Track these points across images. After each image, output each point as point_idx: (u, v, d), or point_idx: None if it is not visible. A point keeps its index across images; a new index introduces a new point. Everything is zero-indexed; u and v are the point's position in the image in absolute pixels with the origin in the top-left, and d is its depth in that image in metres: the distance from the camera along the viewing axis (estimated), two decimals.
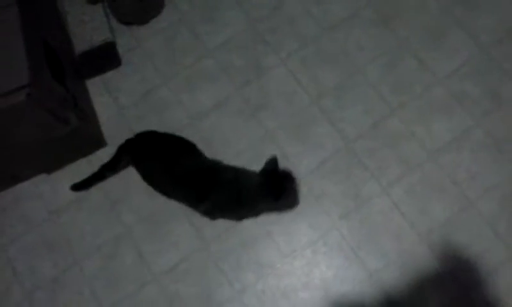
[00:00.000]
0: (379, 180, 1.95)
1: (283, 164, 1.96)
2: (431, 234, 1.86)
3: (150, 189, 1.95)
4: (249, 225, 1.95)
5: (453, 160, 1.95)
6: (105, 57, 2.23)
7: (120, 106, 2.19)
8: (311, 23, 2.24)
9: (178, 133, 2.03)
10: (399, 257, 1.84)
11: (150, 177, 1.94)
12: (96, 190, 2.06)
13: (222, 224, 1.96)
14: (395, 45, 2.16)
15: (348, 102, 2.08)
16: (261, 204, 1.88)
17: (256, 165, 1.81)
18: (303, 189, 1.98)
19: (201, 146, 2.01)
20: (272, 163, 1.76)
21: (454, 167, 1.94)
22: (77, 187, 2.06)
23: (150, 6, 2.30)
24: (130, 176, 2.03)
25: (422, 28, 2.17)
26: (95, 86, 2.23)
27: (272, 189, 1.73)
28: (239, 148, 2.05)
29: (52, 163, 2.10)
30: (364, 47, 2.17)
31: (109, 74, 2.24)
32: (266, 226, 1.94)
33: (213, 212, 1.92)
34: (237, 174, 1.85)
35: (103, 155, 2.09)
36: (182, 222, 1.98)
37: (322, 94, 2.11)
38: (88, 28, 2.18)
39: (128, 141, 1.99)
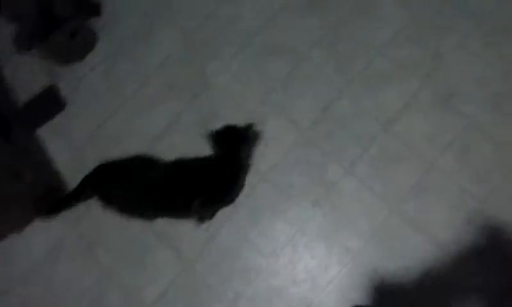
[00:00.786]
0: (340, 162, 1.99)
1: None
2: (401, 203, 1.92)
3: (123, 224, 1.94)
4: (227, 234, 1.97)
5: (406, 126, 2.00)
6: (49, 102, 2.20)
7: (74, 147, 2.17)
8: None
9: None
10: (376, 232, 1.89)
11: (125, 204, 1.94)
12: (70, 236, 2.04)
13: (200, 238, 1.97)
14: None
15: (296, 89, 2.11)
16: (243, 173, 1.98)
17: None
18: (269, 186, 2.00)
19: None
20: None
21: (409, 133, 1.99)
22: (48, 212, 2.03)
23: (83, 42, 2.28)
24: (101, 215, 2.02)
25: None
26: (46, 133, 2.20)
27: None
28: None
29: (17, 221, 2.06)
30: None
31: (57, 118, 2.22)
32: (243, 232, 1.97)
33: (206, 208, 1.95)
34: (206, 162, 1.91)
35: None
36: (160, 248, 1.98)
37: (271, 89, 2.13)
38: (26, 77, 2.16)
39: (89, 177, 1.99)
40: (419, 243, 1.85)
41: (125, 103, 2.20)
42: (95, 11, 2.35)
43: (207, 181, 1.89)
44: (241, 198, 2.01)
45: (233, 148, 1.91)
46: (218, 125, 1.97)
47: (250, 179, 2.02)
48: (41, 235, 2.04)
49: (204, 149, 1.94)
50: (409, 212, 1.89)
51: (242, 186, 2.01)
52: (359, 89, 2.08)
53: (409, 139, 1.98)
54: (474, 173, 1.90)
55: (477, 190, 1.88)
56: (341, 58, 2.13)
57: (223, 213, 1.99)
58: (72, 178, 2.10)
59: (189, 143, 2.08)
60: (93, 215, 2.05)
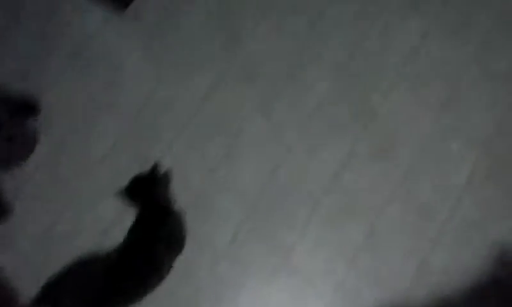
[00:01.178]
0: (292, 227, 2.03)
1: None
2: (356, 258, 1.96)
3: None
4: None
5: (349, 181, 2.07)
6: None
7: (24, 255, 2.12)
8: None
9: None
10: (336, 293, 1.92)
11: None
12: None
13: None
14: None
15: (237, 162, 2.15)
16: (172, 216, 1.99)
17: None
18: (229, 263, 2.01)
19: None
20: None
21: (353, 187, 2.06)
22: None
23: (22, 144, 2.26)
24: None
25: None
26: None
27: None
28: None
29: None
30: None
31: (3, 228, 2.17)
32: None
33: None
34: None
35: None
36: None
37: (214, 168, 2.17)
38: None
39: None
40: (377, 295, 1.89)
41: (72, 199, 2.18)
42: (32, 112, 2.34)
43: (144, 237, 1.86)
44: (202, 280, 2.00)
45: (148, 195, 1.90)
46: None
47: (207, 259, 2.02)
48: None
49: None
50: (366, 265, 1.93)
51: (181, 227, 2.02)
52: (300, 153, 2.14)
53: (354, 194, 2.04)
54: (420, 218, 1.97)
55: (428, 230, 1.95)
56: (279, 129, 2.20)
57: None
58: (26, 288, 2.05)
59: None
60: None
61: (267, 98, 2.23)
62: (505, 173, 2.00)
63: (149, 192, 1.92)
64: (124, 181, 2.11)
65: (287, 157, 2.13)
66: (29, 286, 2.05)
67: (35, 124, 2.34)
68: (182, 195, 2.11)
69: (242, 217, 2.07)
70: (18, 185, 2.24)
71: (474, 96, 2.12)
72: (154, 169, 1.97)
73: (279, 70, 2.27)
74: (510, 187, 1.98)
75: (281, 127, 2.18)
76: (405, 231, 1.97)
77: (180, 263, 2.00)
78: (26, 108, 2.34)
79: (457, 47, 2.20)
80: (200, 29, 2.41)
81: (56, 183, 2.23)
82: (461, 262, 1.90)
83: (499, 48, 2.17)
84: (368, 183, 2.05)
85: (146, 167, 2.15)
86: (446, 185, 2.01)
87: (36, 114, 2.36)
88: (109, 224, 2.12)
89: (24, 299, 2.00)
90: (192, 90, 2.31)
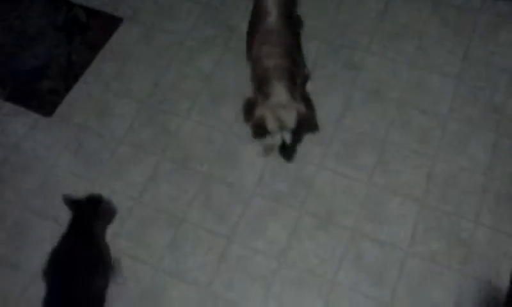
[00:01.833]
0: None
1: None
2: None
3: None
4: None
5: (299, 253, 2.10)
6: None
7: None
8: None
9: None
10: None
11: None
12: None
13: None
14: None
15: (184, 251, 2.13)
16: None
17: None
18: None
19: None
20: None
21: (303, 259, 2.08)
22: None
23: None
24: None
25: None
26: None
27: None
28: None
29: None
30: None
31: None
32: None
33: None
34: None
35: None
36: None
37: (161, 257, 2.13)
38: None
39: None
40: None
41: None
42: None
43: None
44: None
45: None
46: None
47: None
48: None
49: None
50: None
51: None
52: (245, 232, 2.16)
53: (304, 265, 2.06)
54: (373, 279, 2.02)
55: (381, 294, 1.98)
56: (219, 208, 2.22)
57: None
58: None
59: None
60: None
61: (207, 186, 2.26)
62: None
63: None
64: None
65: (232, 238, 2.13)
66: None
67: None
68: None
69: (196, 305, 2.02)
70: None
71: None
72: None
73: None
74: None
75: (224, 208, 2.20)
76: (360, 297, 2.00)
77: None
78: None
79: None
80: (131, 123, 2.46)
81: None
82: None
83: None
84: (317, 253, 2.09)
85: None
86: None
87: None
88: None
89: None
90: (131, 184, 2.30)
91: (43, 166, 2.40)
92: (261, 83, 2.08)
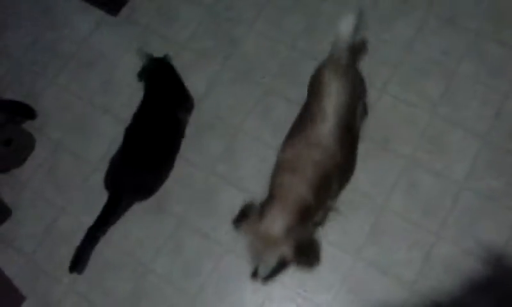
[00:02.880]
0: None
1: None
2: (362, 250, 1.97)
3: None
4: None
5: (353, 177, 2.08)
6: None
7: (25, 254, 2.12)
8: None
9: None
10: (343, 283, 1.93)
11: None
12: None
13: None
14: None
15: (236, 161, 2.16)
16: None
17: None
18: (234, 257, 2.01)
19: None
20: None
21: (354, 181, 2.07)
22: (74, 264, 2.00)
23: (20, 147, 2.25)
24: None
25: None
26: None
27: None
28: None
29: None
30: None
31: (3, 227, 2.17)
32: None
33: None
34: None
35: None
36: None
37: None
38: None
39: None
40: (386, 286, 1.90)
41: (72, 199, 2.18)
42: (29, 114, 2.34)
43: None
44: (206, 275, 2.01)
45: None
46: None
47: (215, 251, 2.04)
48: None
49: None
50: (371, 256, 1.94)
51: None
52: None
53: (354, 187, 2.05)
54: (424, 208, 1.99)
55: (429, 223, 1.96)
56: (277, 122, 2.21)
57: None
58: (27, 284, 2.07)
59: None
60: None
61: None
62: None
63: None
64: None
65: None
66: (36, 288, 2.06)
67: (33, 125, 2.34)
68: None
69: None
70: (17, 188, 2.23)
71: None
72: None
73: None
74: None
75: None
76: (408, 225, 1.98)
77: None
78: (22, 112, 2.33)
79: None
80: (194, 29, 2.44)
81: (55, 184, 2.22)
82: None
83: None
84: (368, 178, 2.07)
85: None
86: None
87: (34, 117, 2.36)
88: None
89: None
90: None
91: (107, 64, 2.46)
92: (269, 194, 1.70)
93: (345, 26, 1.71)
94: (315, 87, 1.81)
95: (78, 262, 2.00)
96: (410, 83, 2.20)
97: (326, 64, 1.81)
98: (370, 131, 2.13)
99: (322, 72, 1.79)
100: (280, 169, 1.72)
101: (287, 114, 2.10)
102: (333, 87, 1.73)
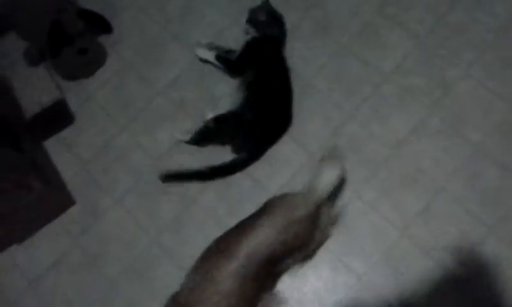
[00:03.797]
0: (348, 186, 2.00)
1: None
2: (410, 227, 1.92)
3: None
4: None
5: (415, 151, 2.02)
6: (58, 116, 2.20)
7: (82, 161, 2.17)
8: None
9: (141, 176, 2.09)
10: (383, 256, 1.89)
11: None
12: (74, 249, 2.03)
13: None
14: None
15: (304, 114, 2.13)
16: None
17: None
18: None
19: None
20: None
21: (418, 157, 2.01)
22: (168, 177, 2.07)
23: (93, 59, 2.29)
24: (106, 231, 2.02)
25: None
26: (54, 146, 2.20)
27: None
28: None
29: (21, 231, 2.05)
30: None
31: (65, 132, 2.22)
32: None
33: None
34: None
35: (74, 213, 2.09)
36: (165, 265, 1.97)
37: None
38: (35, 90, 2.15)
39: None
40: (427, 267, 1.85)
41: (133, 119, 2.22)
42: (106, 28, 2.37)
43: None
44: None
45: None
46: None
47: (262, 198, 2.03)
48: (43, 248, 2.03)
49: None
50: (418, 236, 1.90)
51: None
52: (367, 114, 2.10)
53: (417, 164, 2.00)
54: (482, 199, 1.92)
55: (486, 216, 1.89)
56: (349, 84, 2.16)
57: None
58: (79, 190, 2.12)
59: (196, 161, 2.09)
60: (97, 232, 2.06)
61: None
62: None
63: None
64: (184, 113, 2.14)
65: (352, 117, 2.10)
66: (83, 190, 2.11)
67: (108, 40, 2.37)
68: None
69: (298, 168, 2.05)
70: (83, 97, 2.28)
71: None
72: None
73: None
74: None
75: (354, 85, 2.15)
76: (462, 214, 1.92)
77: None
78: (101, 24, 2.36)
79: None
80: None
81: (120, 101, 2.26)
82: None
83: None
84: (433, 157, 2.00)
85: (209, 104, 2.17)
86: None
87: (110, 31, 2.39)
88: (165, 151, 2.14)
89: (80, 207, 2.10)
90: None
91: None
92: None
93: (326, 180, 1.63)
94: (263, 207, 1.67)
95: (172, 180, 2.07)
96: (498, 69, 2.09)
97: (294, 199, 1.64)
98: (444, 110, 2.06)
99: (274, 203, 1.65)
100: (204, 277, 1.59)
101: (362, 77, 2.03)
102: (266, 229, 1.56)
